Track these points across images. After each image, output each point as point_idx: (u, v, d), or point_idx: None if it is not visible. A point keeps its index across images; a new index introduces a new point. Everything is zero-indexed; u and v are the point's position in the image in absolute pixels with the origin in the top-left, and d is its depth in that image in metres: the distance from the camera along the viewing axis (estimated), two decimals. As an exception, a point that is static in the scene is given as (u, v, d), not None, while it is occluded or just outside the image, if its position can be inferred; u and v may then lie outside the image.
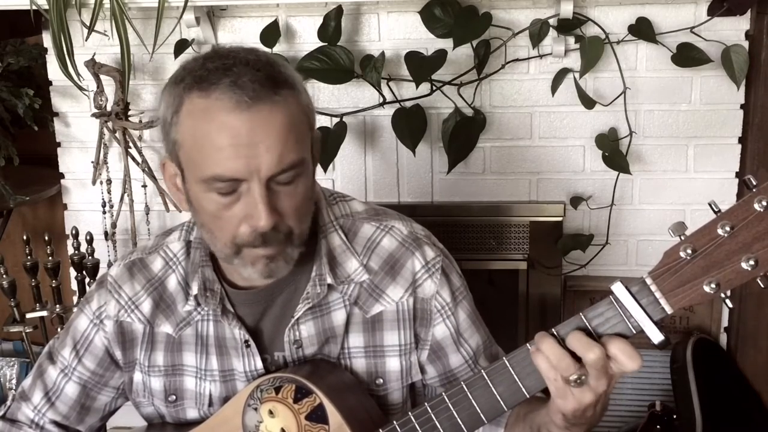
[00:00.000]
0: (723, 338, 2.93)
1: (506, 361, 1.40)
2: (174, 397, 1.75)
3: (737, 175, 2.82)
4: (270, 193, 1.48)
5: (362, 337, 1.69)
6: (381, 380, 1.70)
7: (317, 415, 1.56)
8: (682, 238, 1.24)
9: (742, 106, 2.77)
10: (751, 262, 1.20)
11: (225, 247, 1.54)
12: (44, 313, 2.86)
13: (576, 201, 2.84)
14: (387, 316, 1.68)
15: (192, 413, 1.75)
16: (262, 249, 1.52)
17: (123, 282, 1.76)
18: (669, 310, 1.27)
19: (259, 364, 1.67)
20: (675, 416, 2.72)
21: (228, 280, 1.69)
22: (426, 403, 1.48)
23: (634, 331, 1.30)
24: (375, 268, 1.68)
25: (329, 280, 1.64)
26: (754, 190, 1.20)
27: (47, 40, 2.90)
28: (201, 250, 1.70)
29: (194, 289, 1.68)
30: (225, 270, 1.69)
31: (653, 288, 1.27)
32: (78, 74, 2.74)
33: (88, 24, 2.65)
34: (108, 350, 1.77)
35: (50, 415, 1.80)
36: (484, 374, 1.41)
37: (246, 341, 1.66)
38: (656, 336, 1.28)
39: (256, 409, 1.60)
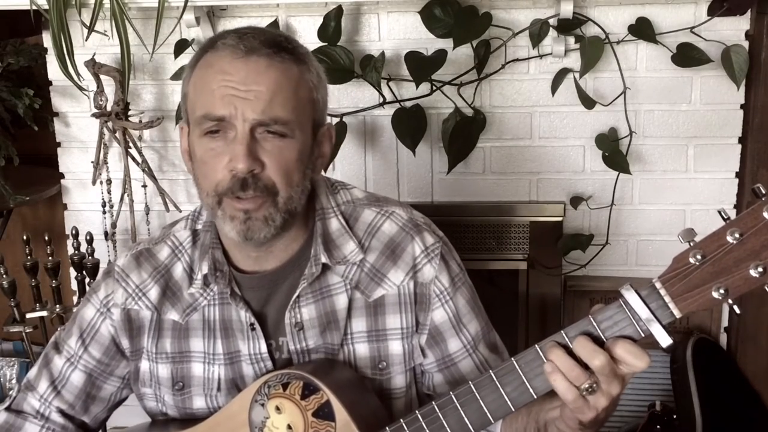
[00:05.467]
0: (723, 338, 2.94)
1: (514, 362, 1.41)
2: (181, 384, 1.77)
3: (737, 175, 2.82)
4: (253, 141, 1.55)
5: (365, 321, 1.72)
6: (384, 363, 1.72)
7: (324, 412, 1.57)
8: (692, 244, 1.25)
9: (742, 106, 2.77)
10: (760, 269, 1.22)
11: (208, 197, 1.60)
12: (44, 313, 2.86)
13: (576, 201, 2.85)
14: (389, 299, 1.71)
15: (199, 402, 1.77)
16: (240, 201, 1.56)
17: (130, 271, 1.79)
18: (678, 314, 1.29)
19: (263, 348, 1.70)
20: (675, 416, 2.72)
21: (234, 266, 1.73)
22: (433, 402, 1.49)
23: (643, 335, 1.32)
24: (375, 252, 1.72)
25: (323, 259, 1.68)
26: (763, 198, 1.21)
27: (47, 40, 2.89)
28: (211, 232, 1.74)
29: (204, 269, 1.71)
30: (232, 255, 1.72)
31: (662, 292, 1.29)
32: (78, 74, 2.74)
33: (88, 24, 2.65)
34: (114, 339, 1.80)
35: (56, 403, 1.82)
36: (492, 374, 1.42)
37: (251, 324, 1.70)
38: (665, 339, 1.30)
39: (263, 404, 1.62)
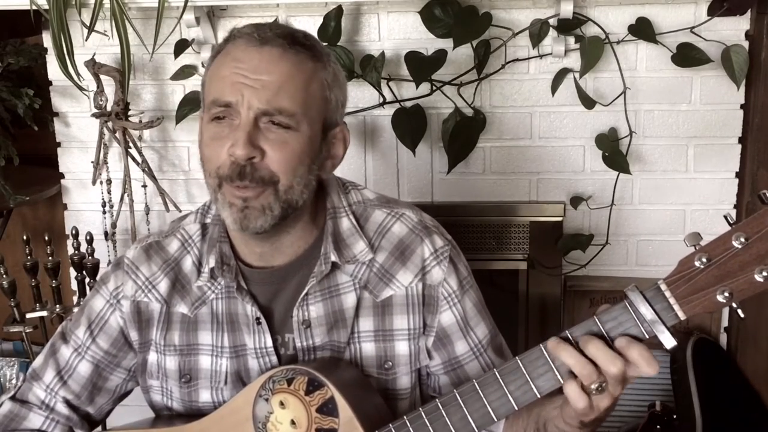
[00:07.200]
0: (723, 338, 2.94)
1: (519, 361, 1.41)
2: (188, 377, 1.77)
3: (737, 175, 2.82)
4: (256, 129, 1.56)
5: (372, 321, 1.72)
6: (390, 363, 1.72)
7: (328, 408, 1.57)
8: (697, 247, 1.26)
9: (742, 106, 2.77)
10: (764, 274, 1.22)
11: (210, 177, 1.61)
12: (44, 313, 2.86)
13: (576, 201, 2.85)
14: (397, 300, 1.71)
15: (205, 395, 1.77)
16: (239, 189, 1.57)
17: (140, 263, 1.80)
18: (682, 316, 1.29)
19: (269, 342, 1.71)
20: (675, 416, 2.72)
21: (242, 260, 1.73)
22: (437, 400, 1.49)
23: (647, 336, 1.32)
24: (385, 253, 1.72)
25: (333, 258, 1.68)
26: None
27: (47, 40, 2.88)
28: (219, 226, 1.74)
29: (211, 263, 1.72)
30: (239, 250, 1.73)
31: (667, 294, 1.30)
32: (78, 74, 2.73)
33: (88, 24, 2.65)
34: (123, 331, 1.81)
35: (62, 393, 1.82)
36: (496, 373, 1.43)
37: (257, 318, 1.70)
38: (669, 341, 1.31)
39: (267, 399, 1.62)
